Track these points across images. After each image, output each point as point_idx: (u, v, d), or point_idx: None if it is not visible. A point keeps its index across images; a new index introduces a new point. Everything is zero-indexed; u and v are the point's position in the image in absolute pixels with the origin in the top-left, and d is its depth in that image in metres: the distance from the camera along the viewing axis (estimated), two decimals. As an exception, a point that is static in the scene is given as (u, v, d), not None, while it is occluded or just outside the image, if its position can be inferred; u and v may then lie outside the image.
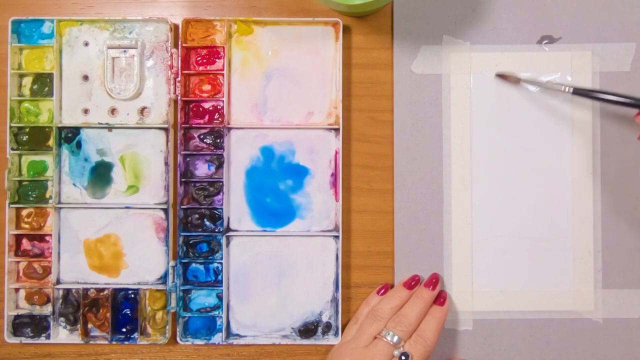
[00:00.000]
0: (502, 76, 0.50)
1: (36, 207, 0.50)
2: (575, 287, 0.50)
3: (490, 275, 0.50)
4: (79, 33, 0.50)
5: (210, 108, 0.51)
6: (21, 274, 0.50)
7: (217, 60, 0.51)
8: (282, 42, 0.51)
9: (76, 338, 0.50)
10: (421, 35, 0.51)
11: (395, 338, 0.45)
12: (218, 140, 0.50)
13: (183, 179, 0.50)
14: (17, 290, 0.50)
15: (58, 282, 0.50)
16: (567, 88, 0.47)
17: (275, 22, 0.50)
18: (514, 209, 0.51)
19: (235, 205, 0.51)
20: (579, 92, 0.46)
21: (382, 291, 0.50)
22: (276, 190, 0.51)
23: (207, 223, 0.50)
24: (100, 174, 0.51)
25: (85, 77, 0.51)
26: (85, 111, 0.51)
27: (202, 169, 0.51)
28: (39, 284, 0.50)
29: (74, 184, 0.51)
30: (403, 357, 0.44)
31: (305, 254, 0.50)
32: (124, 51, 0.50)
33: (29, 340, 0.50)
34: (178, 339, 0.50)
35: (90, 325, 0.50)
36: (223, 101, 0.50)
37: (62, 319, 0.50)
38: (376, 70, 0.51)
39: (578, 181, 0.51)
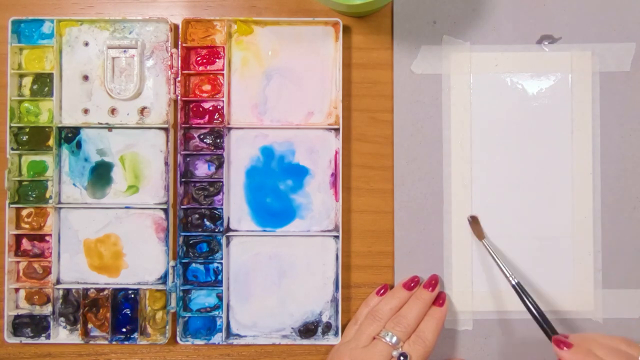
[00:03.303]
0: (472, 223, 0.50)
1: (36, 207, 0.50)
2: (575, 287, 0.50)
3: (490, 275, 0.50)
4: (79, 33, 0.50)
5: (210, 108, 0.51)
6: (21, 274, 0.50)
7: (217, 60, 0.51)
8: (282, 42, 0.51)
9: (76, 338, 0.50)
10: (421, 35, 0.51)
11: (394, 339, 0.45)
12: (218, 140, 0.50)
13: (183, 179, 0.50)
14: (17, 290, 0.50)
15: (58, 282, 0.50)
16: (512, 279, 0.47)
17: (275, 22, 0.50)
18: (514, 209, 0.51)
19: (235, 205, 0.51)
20: (517, 289, 0.47)
21: (381, 292, 0.50)
22: (276, 190, 0.51)
23: (207, 223, 0.50)
24: (100, 174, 0.51)
25: (85, 77, 0.51)
26: (85, 111, 0.51)
27: (202, 169, 0.51)
28: (39, 284, 0.50)
29: (74, 184, 0.51)
30: (402, 358, 0.44)
31: (305, 254, 0.50)
32: (124, 51, 0.50)
33: (29, 340, 0.50)
34: (178, 339, 0.50)
35: (90, 325, 0.50)
36: (223, 101, 0.50)
37: (62, 319, 0.50)
38: (376, 70, 0.51)
39: (578, 181, 0.51)
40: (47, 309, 0.50)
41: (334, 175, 0.51)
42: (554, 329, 0.44)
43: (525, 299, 0.46)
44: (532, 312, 0.45)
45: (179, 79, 0.50)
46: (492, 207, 0.51)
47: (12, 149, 0.50)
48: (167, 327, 0.49)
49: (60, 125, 0.50)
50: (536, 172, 0.51)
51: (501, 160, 0.51)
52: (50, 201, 0.50)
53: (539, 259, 0.50)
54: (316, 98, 0.51)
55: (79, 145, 0.50)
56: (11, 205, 0.50)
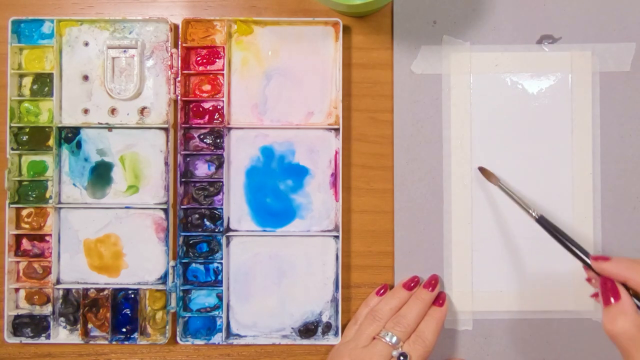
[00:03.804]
0: (483, 171, 0.50)
1: (36, 207, 0.50)
2: (575, 287, 0.50)
3: (490, 275, 0.50)
4: (79, 33, 0.50)
5: (210, 108, 0.51)
6: (21, 274, 0.50)
7: (217, 60, 0.51)
8: (282, 42, 0.51)
9: (76, 338, 0.50)
10: (421, 35, 0.51)
11: (394, 339, 0.45)
12: (218, 140, 0.50)
13: (183, 179, 0.50)
14: (17, 290, 0.50)
15: (58, 282, 0.50)
16: (534, 212, 0.46)
17: (275, 22, 0.50)
18: (514, 208, 0.50)
19: (235, 205, 0.51)
20: (542, 222, 0.45)
21: (381, 292, 0.50)
22: (276, 190, 0.51)
23: (207, 223, 0.50)
24: (100, 174, 0.51)
25: (85, 77, 0.51)
26: (85, 111, 0.51)
27: (202, 169, 0.51)
28: (39, 284, 0.50)
29: (74, 184, 0.51)
30: (401, 358, 0.44)
31: (305, 254, 0.50)
32: (124, 51, 0.50)
33: (29, 340, 0.50)
34: (178, 339, 0.50)
35: (90, 325, 0.50)
36: (223, 101, 0.50)
37: (62, 319, 0.50)
38: (376, 70, 0.51)
39: (578, 181, 0.51)
40: (47, 309, 0.50)
41: (334, 175, 0.51)
42: (586, 252, 0.43)
43: (553, 231, 0.45)
44: (563, 241, 0.44)
45: (179, 79, 0.50)
46: (491, 207, 0.50)
47: (12, 149, 0.50)
48: (167, 327, 0.49)
49: (60, 125, 0.50)
50: (536, 172, 0.51)
51: (501, 160, 0.51)
52: (50, 201, 0.50)
53: (539, 259, 0.50)
54: (316, 98, 0.51)
55: (79, 145, 0.51)
56: (11, 205, 0.50)
